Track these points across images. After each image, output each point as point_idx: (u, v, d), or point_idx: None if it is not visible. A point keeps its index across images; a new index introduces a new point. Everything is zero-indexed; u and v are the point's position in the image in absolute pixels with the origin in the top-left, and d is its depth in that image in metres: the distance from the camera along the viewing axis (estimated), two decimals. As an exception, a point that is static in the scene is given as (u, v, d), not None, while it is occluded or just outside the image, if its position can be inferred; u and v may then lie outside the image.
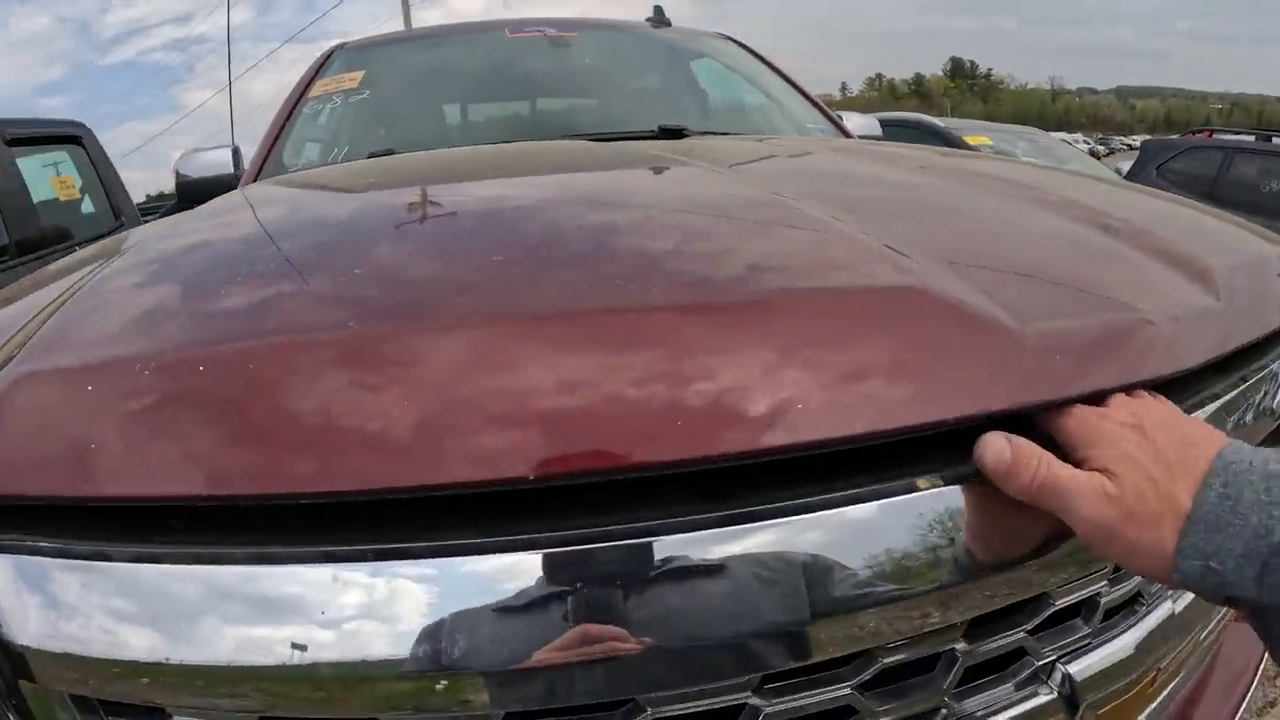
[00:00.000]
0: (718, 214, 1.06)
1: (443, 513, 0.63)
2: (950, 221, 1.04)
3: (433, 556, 0.62)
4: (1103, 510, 0.62)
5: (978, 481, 0.68)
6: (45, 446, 0.66)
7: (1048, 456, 0.65)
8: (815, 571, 0.64)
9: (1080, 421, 0.67)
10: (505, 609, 0.61)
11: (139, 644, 0.62)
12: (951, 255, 0.84)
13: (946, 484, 0.67)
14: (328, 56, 2.90)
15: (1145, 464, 0.62)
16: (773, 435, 0.63)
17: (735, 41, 3.24)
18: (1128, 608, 0.86)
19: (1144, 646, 0.83)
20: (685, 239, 0.92)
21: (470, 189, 1.36)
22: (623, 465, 0.62)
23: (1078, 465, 0.65)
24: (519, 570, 0.61)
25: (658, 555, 0.62)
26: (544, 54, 2.81)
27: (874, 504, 0.66)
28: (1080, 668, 0.79)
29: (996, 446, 0.65)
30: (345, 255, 0.94)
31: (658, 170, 1.41)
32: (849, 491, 0.66)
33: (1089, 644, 0.81)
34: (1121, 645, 0.82)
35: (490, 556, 0.62)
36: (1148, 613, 0.86)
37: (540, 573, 0.61)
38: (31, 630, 0.64)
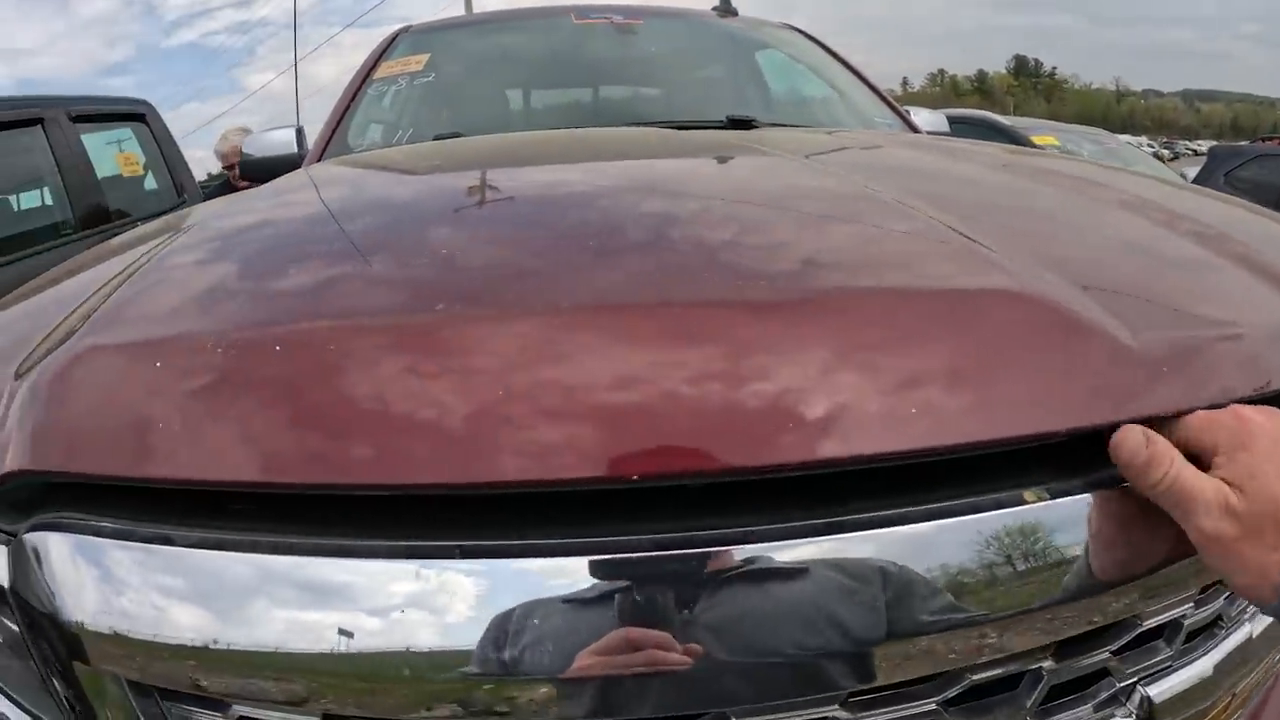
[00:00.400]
0: (808, 206, 1.04)
1: (513, 511, 0.62)
2: (1042, 223, 1.03)
3: (510, 557, 0.60)
4: (1221, 524, 0.61)
5: (1090, 495, 0.67)
6: (107, 424, 0.65)
7: (1180, 460, 0.64)
8: (915, 586, 0.62)
9: (1211, 426, 0.66)
10: (573, 613, 0.60)
11: (201, 629, 0.61)
12: (1057, 260, 0.82)
13: (1054, 497, 0.66)
14: (393, 39, 2.91)
15: (1272, 482, 0.61)
16: (877, 441, 0.61)
17: (802, 33, 3.20)
18: (1207, 630, 0.83)
19: (1222, 668, 0.81)
20: (774, 231, 0.90)
21: (545, 174, 1.35)
22: (718, 470, 0.60)
23: (1203, 469, 0.64)
24: (596, 574, 0.60)
25: (752, 564, 0.60)
26: (610, 41, 2.80)
27: (976, 516, 0.64)
28: (1159, 690, 0.76)
29: (1135, 442, 0.64)
30: (420, 241, 0.93)
31: (734, 160, 1.39)
32: (948, 503, 0.64)
33: (1169, 666, 0.78)
34: (1201, 668, 0.80)
35: (561, 559, 0.60)
36: (1226, 636, 0.83)
37: (629, 578, 0.60)
38: (89, 611, 0.63)
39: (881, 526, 0.62)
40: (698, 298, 0.73)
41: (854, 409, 0.62)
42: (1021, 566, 0.64)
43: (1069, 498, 0.66)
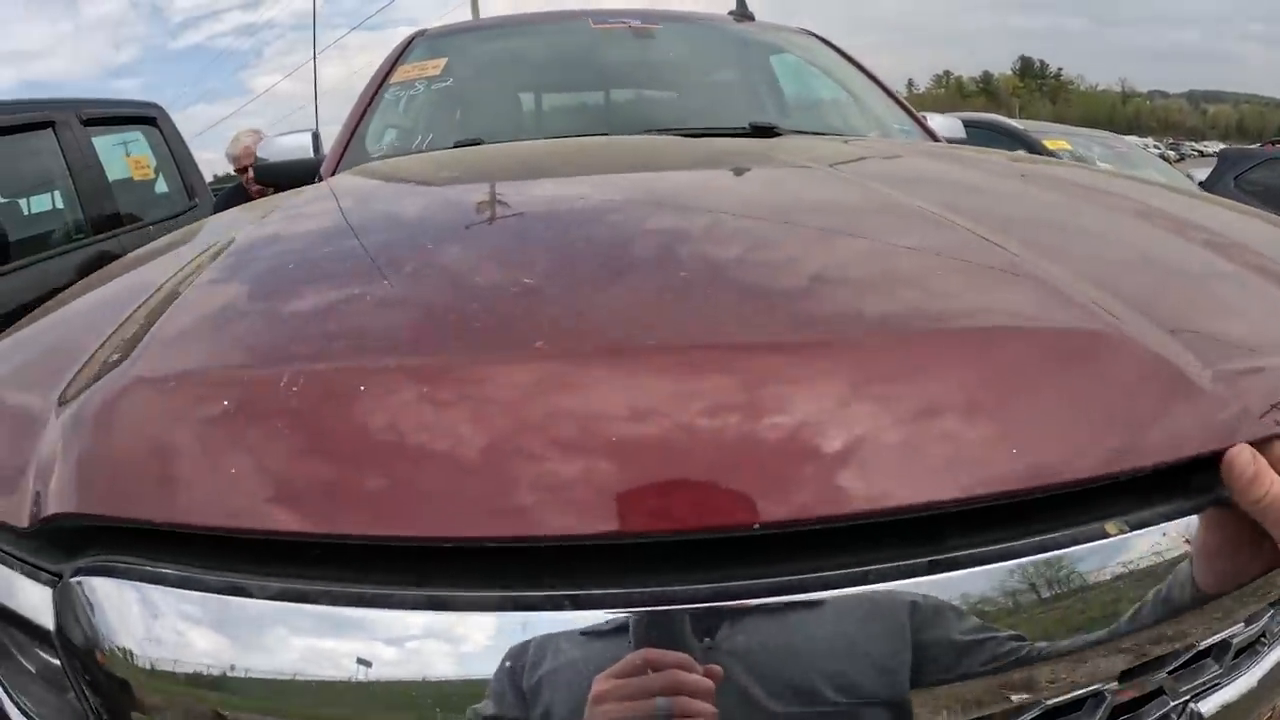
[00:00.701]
0: (852, 226, 1.03)
1: (533, 562, 0.60)
2: (1087, 240, 1.03)
3: (538, 609, 0.59)
4: None
5: (1169, 524, 0.67)
6: (160, 467, 0.63)
7: (1278, 479, 0.67)
8: (1001, 623, 0.62)
9: None
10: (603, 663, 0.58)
11: (263, 680, 0.59)
12: (1115, 285, 0.82)
13: (1133, 529, 0.66)
14: (408, 43, 2.89)
15: None
16: (968, 486, 0.61)
17: (818, 37, 3.18)
18: (1251, 648, 0.82)
19: (1265, 683, 0.80)
20: (819, 258, 0.89)
21: (581, 190, 1.32)
22: (796, 519, 0.59)
23: None
24: (641, 628, 0.58)
25: (821, 606, 0.59)
26: (628, 46, 2.78)
27: (1067, 551, 0.64)
28: (1208, 706, 0.76)
29: (1245, 459, 0.68)
30: (478, 279, 0.89)
31: (769, 174, 1.38)
32: (1032, 539, 0.64)
33: (1218, 684, 0.78)
34: (1246, 684, 0.79)
35: (591, 612, 0.58)
36: (1268, 650, 0.82)
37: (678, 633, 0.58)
38: (144, 660, 0.61)
39: (967, 566, 0.62)
40: (756, 341, 0.71)
41: (941, 453, 0.62)
42: (1106, 597, 0.65)
43: (1148, 528, 0.67)
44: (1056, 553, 0.63)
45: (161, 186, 5.55)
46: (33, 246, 4.28)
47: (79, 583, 0.64)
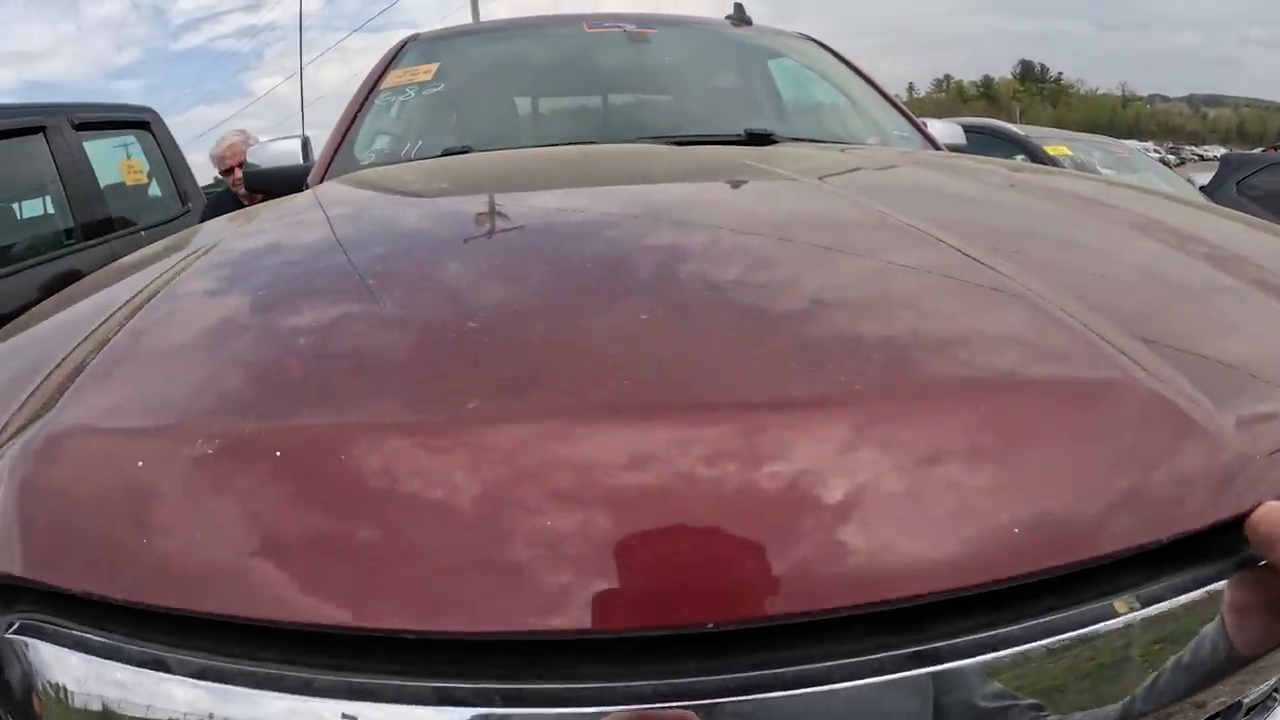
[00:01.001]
0: (841, 245, 0.99)
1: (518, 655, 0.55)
2: (1096, 264, 0.98)
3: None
4: None
5: (1182, 597, 0.62)
6: (96, 530, 0.58)
7: None
8: (1014, 709, 0.58)
9: None
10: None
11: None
12: (1121, 315, 0.78)
13: (1144, 605, 0.61)
14: (400, 48, 2.84)
15: None
16: (980, 570, 0.56)
17: (817, 42, 3.14)
18: (1262, 705, 0.78)
19: None
20: (810, 285, 0.86)
21: (571, 203, 1.29)
22: (807, 611, 0.54)
23: None
24: None
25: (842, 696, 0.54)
26: (623, 50, 2.73)
27: (1069, 635, 0.59)
28: None
29: (1273, 518, 0.64)
30: (450, 315, 0.83)
31: (763, 188, 1.34)
32: (1038, 621, 0.59)
33: None
34: None
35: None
36: (1275, 706, 0.78)
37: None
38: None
39: (967, 656, 0.57)
40: (731, 405, 0.64)
41: (939, 540, 0.57)
42: (1117, 674, 0.60)
43: (1160, 603, 0.62)
44: (1064, 636, 0.59)
45: (154, 191, 5.54)
46: (22, 252, 4.27)
47: (11, 639, 0.60)
